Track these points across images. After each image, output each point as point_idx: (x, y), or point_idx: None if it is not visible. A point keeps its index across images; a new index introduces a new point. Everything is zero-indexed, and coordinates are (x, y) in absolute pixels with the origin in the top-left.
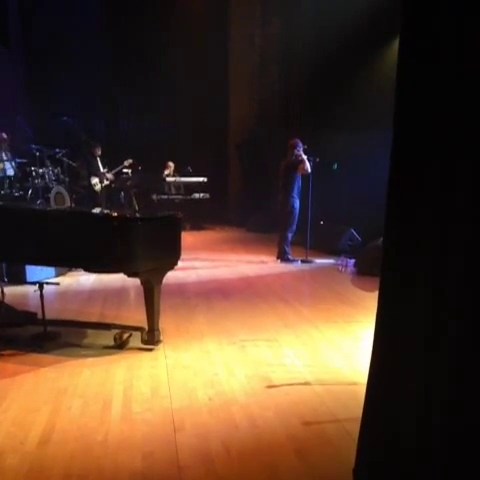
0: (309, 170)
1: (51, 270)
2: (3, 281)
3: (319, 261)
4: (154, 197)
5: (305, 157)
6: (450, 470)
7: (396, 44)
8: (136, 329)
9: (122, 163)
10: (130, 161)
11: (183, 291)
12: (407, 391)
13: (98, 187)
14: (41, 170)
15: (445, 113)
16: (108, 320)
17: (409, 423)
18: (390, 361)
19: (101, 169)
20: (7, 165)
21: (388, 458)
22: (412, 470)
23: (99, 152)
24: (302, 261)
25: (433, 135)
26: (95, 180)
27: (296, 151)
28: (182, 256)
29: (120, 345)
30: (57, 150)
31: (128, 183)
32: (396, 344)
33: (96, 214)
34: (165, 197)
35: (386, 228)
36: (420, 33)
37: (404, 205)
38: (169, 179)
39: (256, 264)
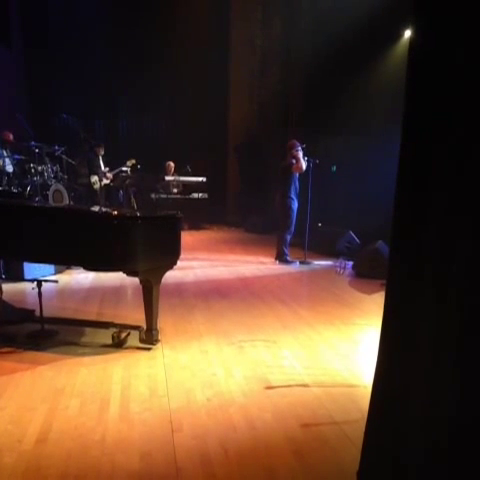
0: (304, 168)
1: (49, 268)
2: (1, 278)
3: (317, 263)
4: (153, 196)
5: (301, 156)
6: (460, 470)
7: (397, 45)
8: (134, 328)
9: (124, 163)
10: (133, 161)
11: (181, 291)
12: (415, 392)
13: (97, 185)
14: (40, 167)
15: (454, 112)
16: (106, 318)
17: (416, 425)
18: (397, 361)
19: (102, 168)
20: (6, 162)
21: (395, 460)
22: (420, 471)
23: (102, 152)
24: (300, 262)
25: (442, 134)
26: (94, 178)
27: (294, 151)
28: (180, 256)
29: (118, 344)
30: (56, 147)
31: (127, 182)
32: (403, 344)
33: (96, 212)
34: (164, 196)
35: (393, 228)
36: (430, 32)
37: (411, 204)
38: (168, 178)
39: (254, 265)
